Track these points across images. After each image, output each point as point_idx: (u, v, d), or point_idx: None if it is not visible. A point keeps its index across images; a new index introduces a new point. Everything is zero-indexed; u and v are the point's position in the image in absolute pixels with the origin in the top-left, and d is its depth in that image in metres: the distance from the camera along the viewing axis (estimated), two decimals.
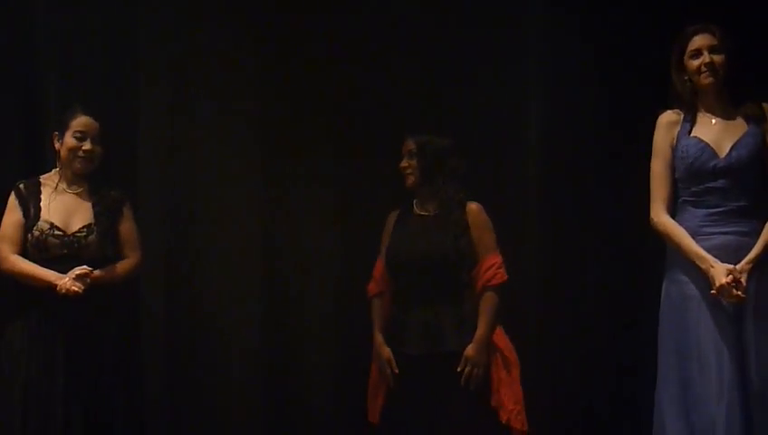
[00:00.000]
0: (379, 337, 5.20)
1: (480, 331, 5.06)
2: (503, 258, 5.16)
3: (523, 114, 5.91)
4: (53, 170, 5.29)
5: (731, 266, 4.62)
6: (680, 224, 4.74)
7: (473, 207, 5.19)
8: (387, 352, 5.14)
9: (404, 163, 5.25)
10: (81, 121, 5.23)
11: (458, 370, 5.02)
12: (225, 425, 5.80)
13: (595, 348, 5.78)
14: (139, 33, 5.86)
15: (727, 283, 4.59)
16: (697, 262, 4.66)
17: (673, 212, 4.77)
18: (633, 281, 5.73)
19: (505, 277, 5.13)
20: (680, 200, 4.78)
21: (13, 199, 5.21)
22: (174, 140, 5.90)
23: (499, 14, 5.91)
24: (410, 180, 5.24)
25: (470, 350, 5.04)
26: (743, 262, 4.63)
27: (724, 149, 4.70)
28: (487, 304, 5.10)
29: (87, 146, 5.21)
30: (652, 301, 5.57)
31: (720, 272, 4.61)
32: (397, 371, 5.11)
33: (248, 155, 5.92)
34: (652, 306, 5.56)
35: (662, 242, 4.83)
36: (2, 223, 5.20)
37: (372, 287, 5.31)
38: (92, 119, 5.25)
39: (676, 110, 4.82)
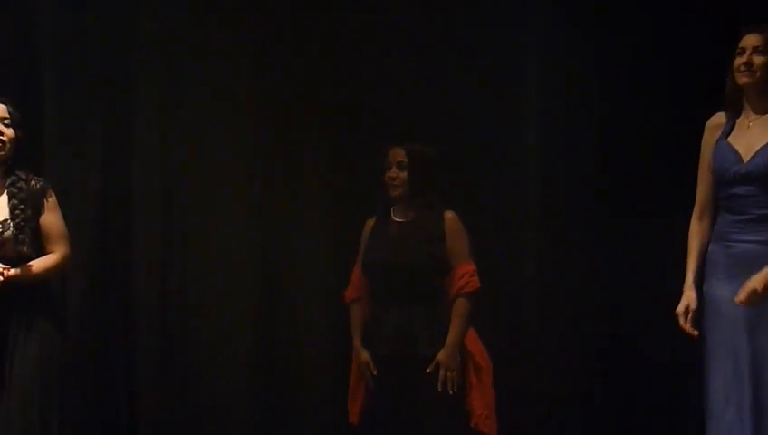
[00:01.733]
0: (357, 341, 5.28)
1: (451, 336, 5.14)
2: (476, 267, 5.22)
3: (523, 119, 5.96)
4: None
5: (692, 298, 4.58)
6: (715, 229, 4.62)
7: (449, 215, 5.24)
8: (365, 355, 5.22)
9: (392, 174, 5.25)
10: None
11: (427, 371, 5.10)
12: (217, 426, 5.87)
13: (593, 351, 5.86)
14: (133, 30, 5.84)
15: (678, 312, 4.58)
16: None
17: (715, 216, 4.67)
18: (633, 286, 5.81)
19: (478, 285, 5.20)
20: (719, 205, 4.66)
21: None
22: (167, 140, 5.89)
23: (498, 17, 5.94)
24: (397, 192, 5.24)
25: (441, 354, 5.12)
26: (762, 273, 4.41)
27: (749, 156, 4.56)
28: (459, 310, 5.17)
29: None
30: (648, 306, 5.71)
31: (685, 298, 4.59)
32: (375, 373, 5.19)
33: (243, 156, 5.95)
34: (648, 312, 5.69)
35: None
36: None
37: (350, 293, 5.37)
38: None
39: (723, 112, 4.66)
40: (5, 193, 4.85)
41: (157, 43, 5.87)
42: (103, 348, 5.79)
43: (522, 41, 5.95)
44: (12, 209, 4.81)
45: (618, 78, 5.86)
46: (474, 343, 5.23)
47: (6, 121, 4.85)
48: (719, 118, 4.66)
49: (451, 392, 5.12)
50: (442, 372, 5.12)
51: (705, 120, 4.62)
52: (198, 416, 5.87)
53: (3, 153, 4.85)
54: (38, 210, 4.86)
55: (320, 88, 5.95)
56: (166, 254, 5.89)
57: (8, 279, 4.70)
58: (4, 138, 4.83)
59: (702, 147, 4.66)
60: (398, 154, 5.26)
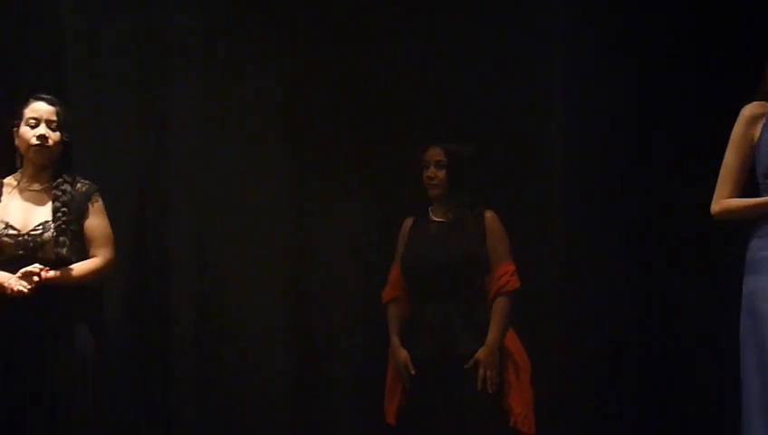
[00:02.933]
0: (394, 341, 5.28)
1: (491, 335, 5.15)
2: (515, 266, 5.24)
3: (545, 116, 5.93)
4: (20, 170, 4.93)
5: None
6: (761, 223, 4.35)
7: (488, 215, 5.26)
8: (403, 354, 5.22)
9: (430, 173, 5.26)
10: (33, 108, 4.85)
11: (465, 368, 5.11)
12: (249, 418, 5.86)
13: (615, 352, 5.83)
14: (166, 41, 5.85)
15: None
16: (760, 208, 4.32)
17: None
18: (656, 284, 5.80)
19: (518, 284, 5.21)
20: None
21: None
22: (202, 148, 5.89)
23: (521, 16, 5.93)
24: (436, 192, 5.26)
25: (481, 353, 5.13)
26: None
27: None
28: (499, 309, 5.19)
29: (40, 131, 4.81)
30: (674, 305, 5.71)
31: None
32: (413, 372, 5.19)
33: (277, 157, 5.94)
34: (673, 311, 5.69)
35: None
36: None
37: (387, 293, 5.38)
38: (47, 104, 4.85)
39: (762, 102, 4.39)
40: (50, 195, 4.85)
41: (189, 48, 5.90)
42: (139, 352, 5.80)
43: (544, 42, 5.96)
44: (54, 211, 4.80)
45: (640, 79, 5.86)
46: (513, 342, 5.24)
47: (53, 124, 4.84)
48: (759, 107, 4.39)
49: (490, 392, 5.12)
50: (481, 371, 5.12)
51: (731, 112, 4.44)
52: (234, 421, 5.87)
53: (50, 155, 4.85)
54: (82, 214, 4.85)
55: (352, 88, 5.95)
56: (201, 255, 5.90)
57: (46, 281, 4.69)
58: (50, 141, 4.83)
59: (735, 136, 4.39)
60: (436, 153, 5.28)
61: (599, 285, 5.84)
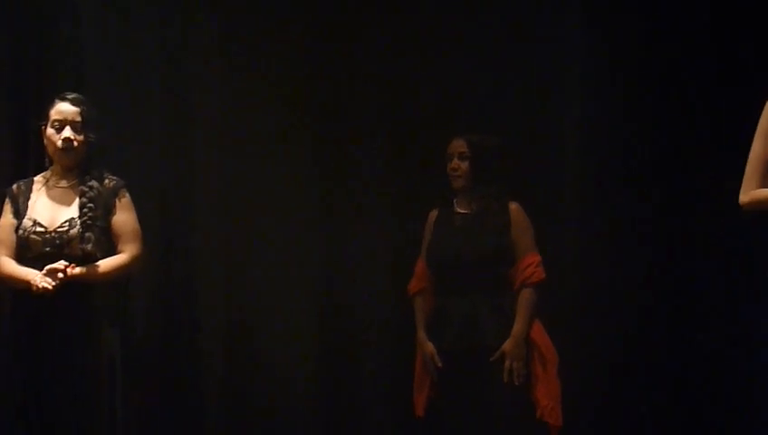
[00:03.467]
0: (421, 333, 5.29)
1: (517, 326, 5.15)
2: (541, 257, 5.23)
3: (567, 107, 5.90)
4: (49, 168, 4.94)
5: None
6: None
7: (513, 206, 5.26)
8: (430, 347, 5.23)
9: (453, 165, 5.26)
10: (57, 109, 4.85)
11: (491, 360, 5.11)
12: (279, 417, 5.86)
13: (637, 345, 5.79)
14: (190, 42, 5.87)
15: None
16: None
17: None
18: (678, 276, 5.76)
19: (543, 276, 5.20)
20: None
21: (6, 201, 4.90)
22: (228, 147, 5.90)
23: (543, 7, 5.91)
24: (459, 183, 5.26)
25: (508, 345, 5.13)
26: None
27: None
28: (525, 300, 5.18)
29: (66, 134, 4.81)
30: (701, 297, 5.68)
31: None
32: (440, 365, 5.20)
33: (301, 151, 5.94)
34: (700, 303, 5.66)
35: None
36: None
37: (413, 285, 5.38)
38: (71, 105, 4.85)
39: None
40: (77, 191, 4.86)
41: (210, 46, 5.92)
42: (166, 350, 5.82)
43: (565, 34, 5.93)
44: (80, 208, 4.81)
45: (664, 71, 5.83)
46: (539, 333, 5.23)
47: (78, 126, 4.84)
48: None
49: (516, 383, 5.12)
50: (507, 363, 5.12)
51: (758, 101, 4.31)
52: (262, 412, 5.88)
53: (74, 157, 4.86)
54: (109, 209, 4.85)
55: (374, 83, 5.95)
56: (227, 250, 5.91)
57: (71, 277, 4.70)
58: (74, 143, 4.84)
59: (765, 127, 4.26)
60: (459, 145, 5.28)
61: (625, 276, 5.80)
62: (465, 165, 5.26)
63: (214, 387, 5.86)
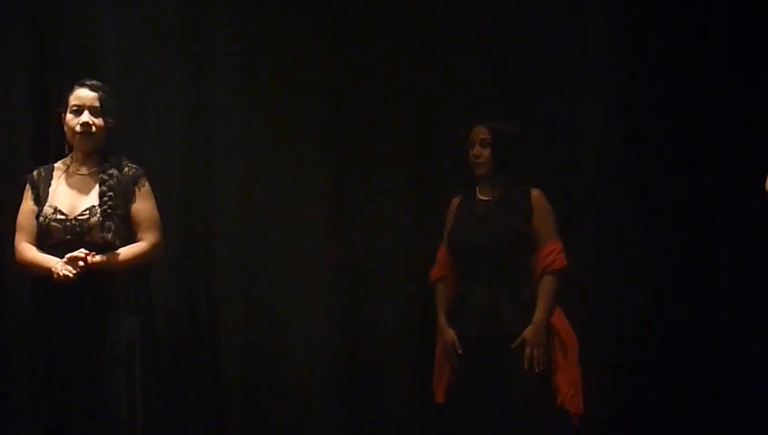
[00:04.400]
0: (442, 320, 5.29)
1: (538, 314, 5.15)
2: (563, 244, 5.23)
3: (588, 95, 5.87)
4: (69, 155, 4.96)
5: None
6: None
7: (535, 193, 5.26)
8: (450, 334, 5.23)
9: (476, 151, 5.27)
10: (76, 95, 4.87)
11: (512, 347, 5.11)
12: (298, 402, 5.84)
13: (657, 331, 5.76)
14: (209, 37, 5.84)
15: None
16: None
17: None
18: (700, 262, 5.73)
19: (565, 263, 5.20)
20: None
21: (26, 187, 4.92)
22: (247, 135, 5.86)
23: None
24: (482, 169, 5.27)
25: (528, 332, 5.13)
26: None
27: None
28: (546, 287, 5.18)
29: (84, 118, 4.83)
30: (724, 284, 5.65)
31: None
32: (460, 351, 5.20)
33: (320, 136, 5.90)
34: (724, 289, 5.63)
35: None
36: (19, 212, 4.92)
37: (435, 272, 5.39)
38: (90, 90, 4.86)
39: None
40: (97, 179, 4.88)
41: (231, 38, 5.91)
42: (187, 338, 5.80)
43: (591, 20, 5.89)
44: (100, 196, 4.83)
45: (688, 58, 5.79)
46: (560, 321, 5.22)
47: (97, 111, 4.86)
48: None
49: (537, 371, 5.12)
50: (528, 350, 5.12)
51: None
52: (283, 398, 5.87)
53: (92, 142, 4.88)
54: (129, 197, 4.87)
55: (396, 70, 5.91)
56: (247, 240, 5.89)
57: (92, 265, 4.72)
58: (93, 128, 4.85)
59: None
60: (481, 132, 5.29)
61: (646, 263, 5.78)
62: (486, 152, 5.26)
63: (233, 373, 5.85)
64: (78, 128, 4.85)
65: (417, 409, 5.74)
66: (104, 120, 4.86)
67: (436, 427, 5.56)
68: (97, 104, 4.86)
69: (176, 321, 5.74)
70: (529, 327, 5.14)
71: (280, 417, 5.85)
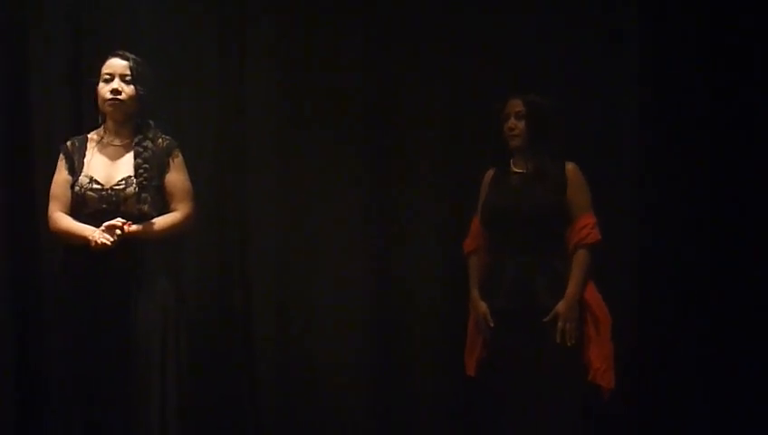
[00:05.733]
0: (474, 293, 5.29)
1: (571, 288, 5.13)
2: (597, 218, 5.20)
3: (622, 70, 5.82)
4: (103, 125, 5.02)
5: None
6: None
7: (570, 166, 5.24)
8: (482, 306, 5.23)
9: (510, 124, 5.25)
10: (108, 64, 4.94)
11: (544, 321, 5.10)
12: (330, 375, 5.88)
13: (692, 307, 5.73)
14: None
15: None
16: None
17: None
18: (734, 235, 5.68)
19: (599, 237, 5.17)
20: None
21: (60, 157, 5.00)
22: (281, 109, 5.88)
23: None
24: (516, 142, 5.25)
25: (561, 306, 5.11)
26: None
27: None
28: (579, 261, 5.15)
29: (113, 85, 4.90)
30: (756, 257, 5.60)
31: None
32: (492, 325, 5.20)
33: (355, 108, 5.90)
34: (755, 263, 5.58)
35: None
36: (52, 182, 4.99)
37: (468, 244, 5.38)
38: (121, 59, 4.93)
39: None
40: (132, 151, 4.94)
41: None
42: (218, 308, 5.84)
43: None
44: (136, 168, 4.90)
45: (727, 38, 5.73)
46: (593, 295, 5.20)
47: (127, 78, 4.92)
48: None
49: (569, 345, 5.10)
50: (560, 324, 5.11)
51: None
52: (314, 370, 5.90)
53: (123, 110, 4.94)
54: (163, 169, 4.95)
55: (431, 42, 5.90)
56: (279, 210, 5.90)
57: (129, 234, 4.80)
58: (122, 96, 4.91)
59: None
60: (516, 104, 5.27)
61: (680, 238, 5.74)
62: (521, 124, 5.24)
63: (268, 342, 5.88)
64: (108, 95, 4.92)
65: (449, 382, 5.75)
66: (135, 88, 4.94)
67: (468, 400, 5.57)
68: (127, 72, 4.93)
69: (209, 288, 5.80)
70: (561, 301, 5.12)
71: (311, 387, 5.87)
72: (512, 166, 5.32)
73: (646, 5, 5.78)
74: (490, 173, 5.38)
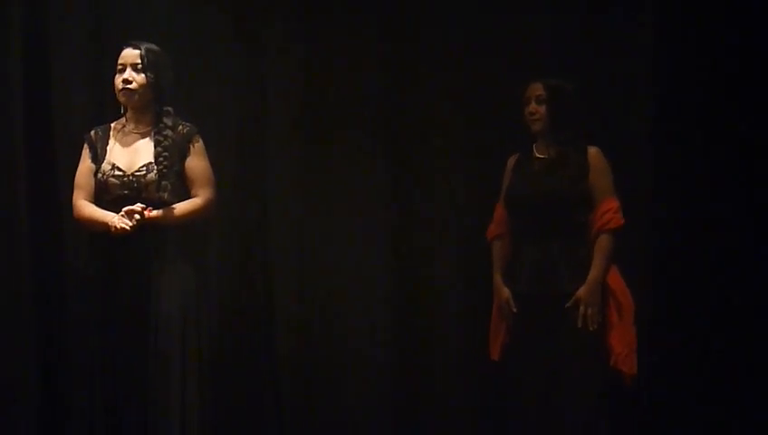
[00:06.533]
0: (498, 278, 5.29)
1: (593, 272, 5.11)
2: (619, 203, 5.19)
3: (641, 55, 5.75)
4: (125, 115, 5.08)
5: None
6: None
7: (593, 151, 5.22)
8: (506, 292, 5.23)
9: (531, 108, 5.25)
10: (121, 55, 5.02)
11: (566, 307, 5.09)
12: (352, 360, 5.88)
13: (711, 292, 5.67)
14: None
15: None
16: None
17: None
18: (758, 220, 5.64)
19: (622, 222, 5.15)
20: None
21: (84, 147, 5.08)
22: (302, 102, 5.87)
23: None
24: (538, 126, 5.24)
25: (582, 291, 5.10)
26: None
27: None
28: (602, 246, 5.14)
29: (124, 75, 4.97)
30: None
31: None
32: (515, 310, 5.20)
33: (376, 98, 5.88)
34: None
35: None
36: (77, 171, 5.07)
37: (492, 230, 5.38)
38: (132, 48, 5.00)
39: None
40: (152, 139, 5.01)
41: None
42: (241, 294, 5.83)
43: None
44: (156, 157, 4.96)
45: (748, 21, 5.67)
46: (616, 280, 5.18)
47: (138, 66, 4.99)
48: None
49: (591, 329, 5.09)
50: (582, 309, 5.10)
51: None
52: (335, 355, 5.90)
53: (134, 98, 5.00)
54: (183, 155, 5.00)
55: (449, 28, 5.88)
56: (300, 199, 5.90)
57: (149, 219, 4.87)
58: (133, 84, 4.98)
59: None
60: (537, 89, 5.27)
61: (703, 222, 5.68)
62: (542, 108, 5.24)
63: (289, 326, 5.87)
64: (120, 84, 5.00)
65: (474, 367, 5.73)
66: (145, 77, 4.98)
67: (492, 384, 5.56)
68: (138, 61, 4.99)
69: (231, 272, 5.80)
70: (583, 286, 5.11)
71: (333, 372, 5.87)
72: (534, 151, 5.32)
73: None
74: (513, 159, 5.38)
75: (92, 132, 5.11)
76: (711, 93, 5.68)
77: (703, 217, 5.67)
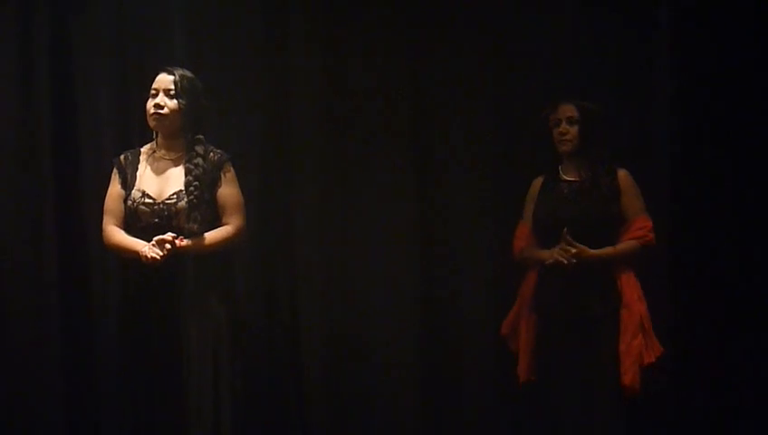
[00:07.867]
0: (539, 254, 5.23)
1: (608, 249, 5.11)
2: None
3: (664, 74, 5.77)
4: (156, 139, 5.07)
5: None
6: None
7: (622, 173, 5.22)
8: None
9: (562, 129, 5.23)
10: (156, 80, 5.01)
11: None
12: (379, 380, 5.87)
13: (732, 307, 5.69)
14: (290, 26, 5.85)
15: None
16: None
17: None
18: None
19: (654, 242, 5.17)
20: None
21: (114, 171, 5.05)
22: (326, 118, 5.86)
23: None
24: (568, 147, 5.23)
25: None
26: None
27: None
28: (625, 246, 5.14)
29: (156, 100, 4.95)
30: None
31: None
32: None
33: (400, 108, 5.87)
34: None
35: None
36: (106, 196, 5.05)
37: (517, 245, 5.34)
38: (167, 74, 4.99)
39: None
40: (183, 166, 4.97)
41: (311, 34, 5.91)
42: (268, 322, 5.83)
43: None
44: (186, 186, 4.94)
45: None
46: (633, 291, 5.15)
47: (171, 93, 4.96)
48: None
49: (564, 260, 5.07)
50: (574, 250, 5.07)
51: None
52: (362, 375, 5.89)
53: (165, 124, 4.98)
54: (215, 183, 4.99)
55: (473, 49, 5.89)
56: (326, 222, 5.90)
57: (180, 249, 4.83)
58: (165, 110, 4.95)
59: None
60: (568, 110, 5.25)
61: (722, 241, 5.70)
62: (574, 129, 5.22)
63: (315, 351, 5.86)
64: (151, 109, 4.97)
65: (502, 387, 5.72)
66: (178, 103, 4.96)
67: (522, 405, 5.55)
68: (171, 87, 4.97)
69: (258, 303, 5.79)
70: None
71: (361, 391, 5.86)
72: (561, 173, 5.31)
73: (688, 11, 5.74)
74: (539, 181, 5.37)
75: (122, 157, 5.08)
76: (731, 111, 5.70)
77: (724, 236, 5.69)
